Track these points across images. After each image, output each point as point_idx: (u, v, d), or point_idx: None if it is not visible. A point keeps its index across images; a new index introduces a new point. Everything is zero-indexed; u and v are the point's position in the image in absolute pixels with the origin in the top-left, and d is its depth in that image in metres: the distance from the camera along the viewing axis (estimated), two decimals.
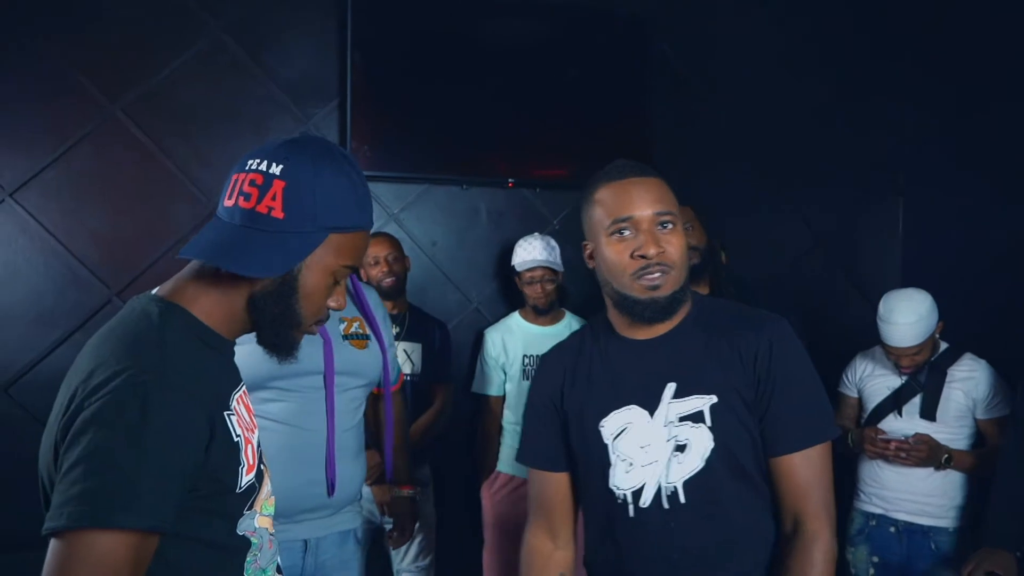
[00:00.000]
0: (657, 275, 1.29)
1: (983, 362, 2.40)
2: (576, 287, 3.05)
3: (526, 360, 2.81)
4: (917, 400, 2.40)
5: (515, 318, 2.90)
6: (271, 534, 1.10)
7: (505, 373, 2.85)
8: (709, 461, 1.30)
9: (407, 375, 2.71)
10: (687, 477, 1.31)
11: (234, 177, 1.03)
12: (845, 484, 2.63)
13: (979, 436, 2.40)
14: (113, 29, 2.67)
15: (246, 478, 1.02)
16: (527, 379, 2.80)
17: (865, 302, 3.34)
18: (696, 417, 1.31)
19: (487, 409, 2.89)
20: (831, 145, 3.43)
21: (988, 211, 3.06)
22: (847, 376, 2.61)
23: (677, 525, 1.32)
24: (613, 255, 1.32)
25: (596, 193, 1.37)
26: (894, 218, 3.55)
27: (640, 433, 1.34)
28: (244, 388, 1.10)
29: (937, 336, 2.40)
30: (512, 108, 3.01)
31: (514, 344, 2.83)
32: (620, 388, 1.37)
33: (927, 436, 2.32)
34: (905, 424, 2.40)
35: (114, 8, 2.67)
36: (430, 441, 2.76)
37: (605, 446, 1.36)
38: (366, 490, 2.60)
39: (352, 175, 1.04)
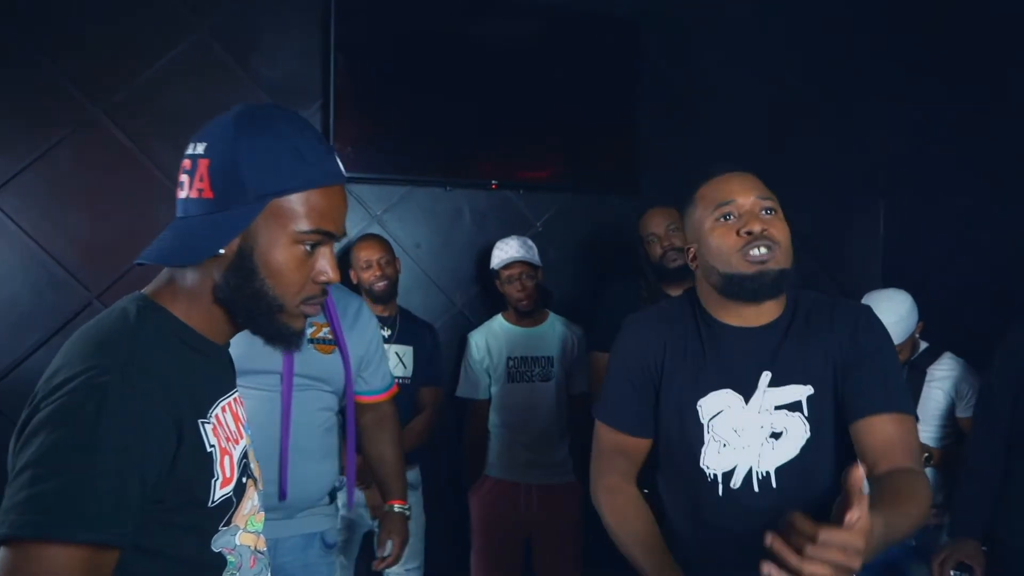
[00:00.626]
0: (764, 250, 1.31)
1: (962, 361, 2.43)
2: (558, 289, 3.06)
3: (511, 362, 2.81)
4: None
5: (498, 320, 2.89)
6: (257, 551, 1.03)
7: (490, 376, 2.84)
8: (804, 450, 1.34)
9: (399, 378, 2.70)
10: (780, 464, 1.34)
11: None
12: None
13: (958, 434, 2.43)
14: (96, 30, 2.65)
15: (220, 492, 0.94)
16: (513, 381, 2.80)
17: None
18: (793, 407, 1.34)
19: (473, 413, 2.88)
20: (814, 147, 3.46)
21: (969, 212, 3.09)
22: None
23: (766, 504, 1.33)
24: (719, 238, 1.34)
25: (696, 192, 1.42)
26: (875, 219, 3.59)
27: (735, 417, 1.36)
28: (236, 395, 1.04)
29: (917, 336, 2.43)
30: (496, 110, 3.01)
31: (498, 346, 2.83)
32: (718, 370, 1.38)
33: None
34: None
35: (97, 8, 2.64)
36: (420, 444, 2.75)
37: (701, 425, 1.38)
38: (360, 494, 2.59)
39: (284, 131, 0.94)
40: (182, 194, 0.96)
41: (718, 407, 1.37)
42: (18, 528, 0.77)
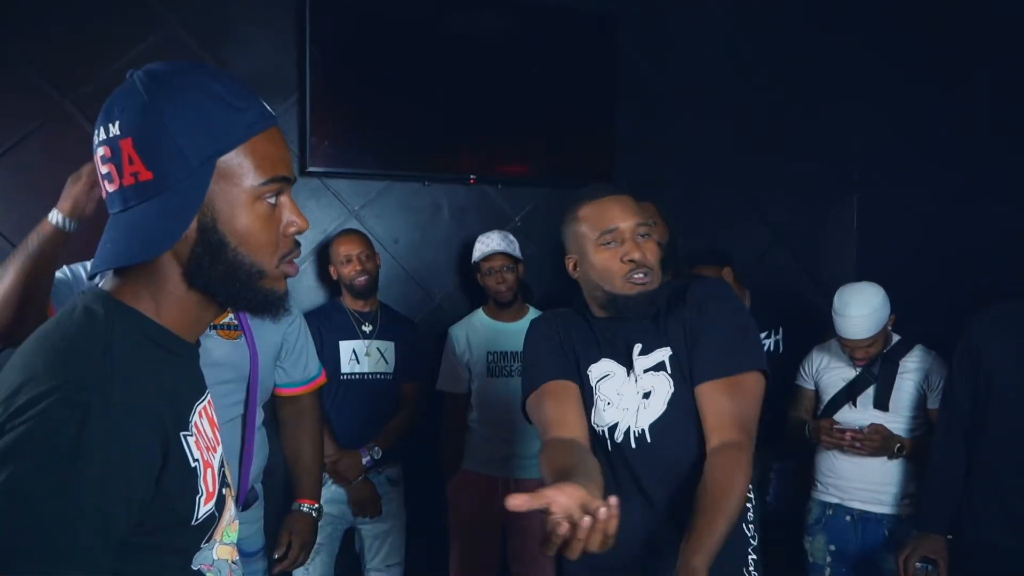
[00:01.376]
0: (642, 275, 1.50)
1: (933, 353, 2.47)
2: (538, 283, 3.06)
3: (490, 357, 2.81)
4: (871, 391, 2.46)
5: (479, 315, 2.89)
6: (233, 563, 0.97)
7: (470, 371, 2.84)
8: (670, 405, 1.53)
9: (381, 374, 2.69)
10: (652, 420, 1.54)
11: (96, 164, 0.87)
12: (803, 475, 2.70)
13: (930, 425, 2.47)
14: (64, 20, 2.59)
15: (204, 508, 0.86)
16: (492, 376, 2.80)
17: (823, 296, 3.41)
18: (659, 367, 1.55)
19: (452, 407, 2.87)
20: (788, 143, 3.50)
21: (940, 206, 3.14)
22: (804, 369, 2.66)
23: (645, 462, 1.54)
24: (604, 262, 1.52)
25: (579, 211, 1.56)
26: (849, 214, 3.64)
27: (617, 381, 1.58)
28: (209, 398, 0.95)
29: (890, 328, 2.46)
30: (474, 104, 3.00)
31: (478, 341, 2.83)
32: (601, 345, 1.60)
33: (880, 426, 2.38)
34: (859, 415, 2.46)
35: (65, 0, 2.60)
36: (401, 440, 2.74)
37: (592, 388, 1.59)
38: (339, 490, 2.58)
39: (202, 83, 0.84)
40: (112, 187, 0.84)
41: (604, 372, 1.59)
42: None
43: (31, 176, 2.57)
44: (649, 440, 1.54)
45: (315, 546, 2.20)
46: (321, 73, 2.78)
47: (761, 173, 3.48)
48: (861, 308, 2.34)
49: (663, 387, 1.54)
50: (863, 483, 2.45)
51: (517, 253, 2.80)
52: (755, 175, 3.48)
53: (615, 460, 1.57)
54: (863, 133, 3.55)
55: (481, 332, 2.84)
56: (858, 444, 2.37)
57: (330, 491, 2.57)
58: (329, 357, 2.60)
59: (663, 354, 1.55)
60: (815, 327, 2.84)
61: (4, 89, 2.54)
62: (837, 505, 2.51)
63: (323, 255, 2.88)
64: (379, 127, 2.88)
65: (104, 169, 0.84)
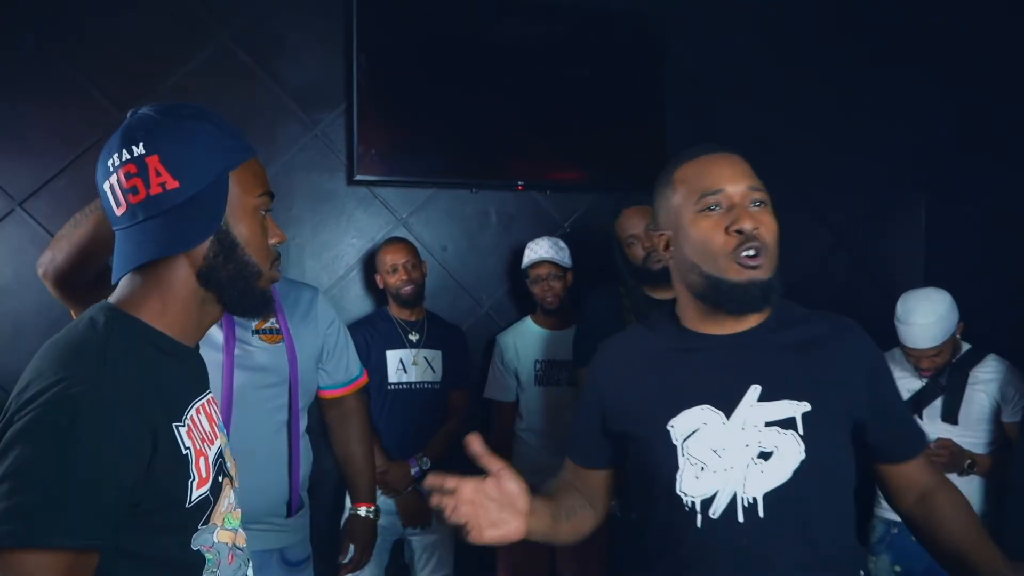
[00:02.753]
0: (753, 253, 1.17)
1: (1007, 363, 2.33)
2: (590, 291, 3.01)
3: (538, 365, 2.77)
4: (938, 403, 2.33)
5: (527, 323, 2.86)
6: (235, 547, 1.06)
7: (518, 379, 2.81)
8: (797, 474, 1.18)
9: (428, 383, 2.68)
10: (770, 489, 1.18)
11: (107, 187, 0.99)
12: (866, 491, 2.57)
13: (1003, 440, 2.32)
14: (122, 37, 2.68)
15: (197, 492, 0.97)
16: (540, 384, 2.76)
17: (887, 303, 3.25)
18: (785, 424, 1.19)
19: (500, 415, 2.85)
20: (850, 143, 3.36)
21: (1013, 210, 2.97)
22: None
23: (752, 541, 1.18)
24: (703, 233, 1.20)
25: (676, 173, 1.26)
26: (917, 216, 3.47)
27: (714, 436, 1.21)
28: (210, 395, 1.08)
29: (958, 337, 2.33)
30: (521, 110, 2.97)
31: (526, 349, 2.79)
32: (692, 386, 1.24)
33: (949, 441, 2.25)
34: (926, 428, 2.33)
35: (123, 16, 2.68)
36: (450, 449, 2.72)
37: (674, 447, 1.23)
38: (388, 501, 2.57)
39: (207, 115, 1.01)
40: (135, 199, 0.96)
41: (693, 426, 1.22)
42: (1, 539, 0.81)
43: (91, 188, 2.64)
44: (762, 514, 1.17)
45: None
46: (368, 82, 2.80)
47: (820, 173, 3.35)
48: (926, 316, 2.22)
49: (791, 451, 1.18)
50: None
51: (566, 261, 2.76)
52: (813, 175, 3.35)
53: (705, 541, 1.20)
54: (933, 131, 3.38)
55: (529, 340, 2.81)
56: None
57: (379, 501, 2.56)
58: (376, 367, 2.60)
59: (796, 408, 1.20)
60: (878, 335, 2.70)
61: (65, 105, 2.63)
62: (902, 523, 2.37)
63: (369, 264, 2.89)
64: (426, 135, 2.88)
65: (128, 184, 0.96)
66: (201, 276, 0.99)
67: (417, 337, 2.70)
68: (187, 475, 0.96)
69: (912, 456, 1.32)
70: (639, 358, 1.33)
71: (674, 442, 1.23)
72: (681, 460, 1.22)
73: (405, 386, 2.67)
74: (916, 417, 2.36)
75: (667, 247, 1.28)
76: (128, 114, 1.02)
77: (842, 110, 3.35)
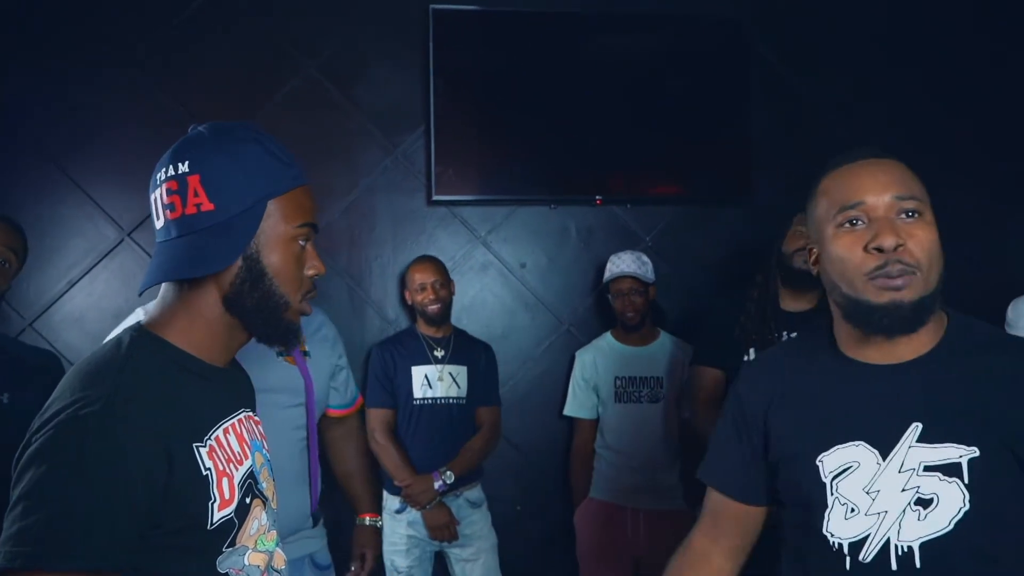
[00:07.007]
0: (894, 274, 1.05)
1: None
2: (672, 306, 2.93)
3: (618, 382, 2.72)
4: None
5: (607, 338, 2.82)
6: (271, 569, 1.04)
7: (598, 395, 2.76)
8: (959, 525, 1.06)
9: (454, 399, 2.68)
10: (927, 538, 1.08)
11: (152, 199, 1.01)
12: None
13: None
14: (217, 71, 2.85)
15: (219, 514, 0.95)
16: (620, 401, 2.70)
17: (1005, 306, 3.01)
18: (949, 470, 1.07)
19: (580, 432, 2.81)
20: (952, 137, 3.13)
21: None
22: None
23: None
24: (841, 250, 1.10)
25: (821, 184, 1.18)
26: None
27: (868, 476, 1.11)
28: (243, 415, 1.06)
29: None
30: (598, 124, 2.95)
31: (606, 365, 2.75)
32: (846, 420, 1.14)
33: None
34: None
35: (218, 51, 2.85)
36: (478, 463, 2.69)
37: (823, 485, 1.14)
38: (417, 515, 2.56)
39: (260, 139, 1.01)
40: (172, 215, 0.98)
41: (845, 463, 1.13)
42: (11, 560, 0.81)
43: None
44: (919, 565, 1.07)
45: (406, 570, 2.48)
46: (444, 103, 2.85)
47: (923, 174, 3.13)
48: None
49: (952, 499, 1.06)
50: None
51: (648, 276, 2.71)
52: (922, 178, 3.13)
53: None
54: None
55: (609, 355, 2.76)
56: None
57: (412, 514, 2.56)
58: (402, 383, 2.63)
59: (961, 453, 1.07)
60: None
61: (163, 136, 2.78)
62: None
63: (399, 281, 2.92)
64: (503, 152, 2.90)
65: (167, 200, 0.98)
66: (227, 301, 0.99)
67: (443, 353, 2.69)
68: (207, 496, 0.94)
69: None
70: (790, 380, 1.23)
71: (823, 479, 1.14)
72: (830, 499, 1.14)
73: (430, 401, 2.64)
74: None
75: (816, 262, 1.20)
76: (189, 129, 1.04)
77: (947, 106, 3.13)
